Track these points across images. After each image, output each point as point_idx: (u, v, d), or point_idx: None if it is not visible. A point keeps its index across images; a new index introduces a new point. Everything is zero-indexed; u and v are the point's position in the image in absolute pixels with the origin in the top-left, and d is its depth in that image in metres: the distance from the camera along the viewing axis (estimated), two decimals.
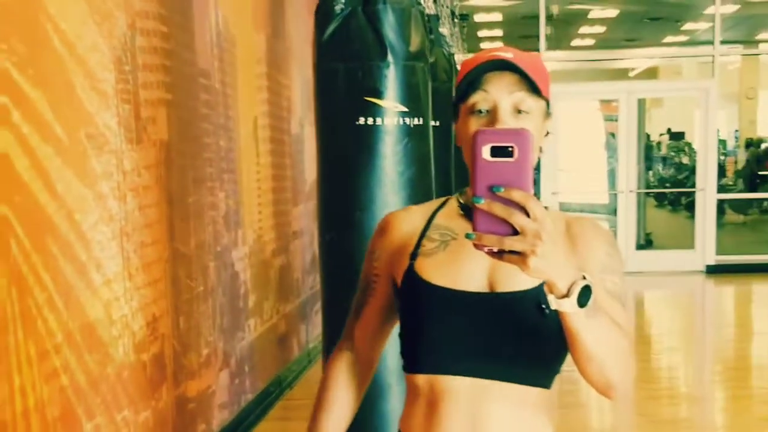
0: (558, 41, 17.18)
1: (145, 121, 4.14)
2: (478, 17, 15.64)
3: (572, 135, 13.58)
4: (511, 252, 1.37)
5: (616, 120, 12.17)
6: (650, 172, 17.61)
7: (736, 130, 21.69)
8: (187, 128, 4.75)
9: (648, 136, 16.45)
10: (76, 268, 3.47)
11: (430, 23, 3.70)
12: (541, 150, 1.77)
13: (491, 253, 1.39)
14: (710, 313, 10.40)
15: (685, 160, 18.67)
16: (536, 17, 11.91)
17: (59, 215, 3.34)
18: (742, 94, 20.42)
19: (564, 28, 16.41)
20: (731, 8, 14.31)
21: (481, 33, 16.94)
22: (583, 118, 15.28)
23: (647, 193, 15.20)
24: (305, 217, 7.45)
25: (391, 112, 3.23)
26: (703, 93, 11.70)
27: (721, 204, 13.63)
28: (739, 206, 16.08)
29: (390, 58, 3.22)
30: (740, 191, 16.76)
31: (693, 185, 12.34)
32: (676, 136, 20.30)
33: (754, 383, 7.04)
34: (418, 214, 1.87)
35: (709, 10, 12.50)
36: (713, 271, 11.66)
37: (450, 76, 6.44)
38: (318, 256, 3.80)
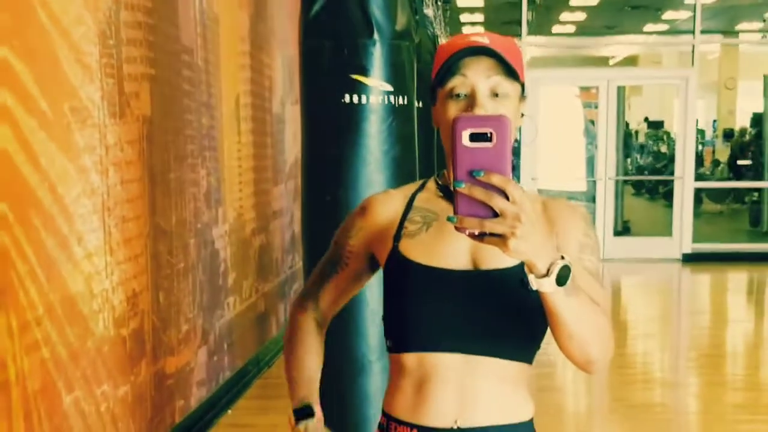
0: (539, 27, 17.21)
1: (128, 96, 4.14)
2: (461, 1, 15.65)
3: (552, 121, 13.59)
4: (492, 234, 1.41)
5: (596, 107, 12.20)
6: (629, 160, 17.67)
7: (715, 120, 21.80)
8: (170, 104, 4.75)
9: (627, 124, 16.51)
10: (58, 241, 3.47)
11: (415, 3, 3.70)
12: (520, 132, 1.81)
13: (472, 236, 1.43)
14: (686, 301, 10.48)
15: (664, 148, 18.76)
16: (518, 3, 11.92)
17: (42, 188, 3.34)
18: (721, 84, 20.51)
19: (545, 14, 16.44)
20: None
21: (463, 18, 16.94)
22: (562, 104, 15.29)
23: (625, 181, 15.26)
24: (285, 196, 7.46)
25: (376, 90, 3.24)
26: (683, 82, 11.75)
27: (698, 193, 13.72)
28: (717, 195, 16.16)
29: (376, 36, 3.22)
30: (721, 180, 16.82)
31: (671, 174, 12.41)
32: (655, 125, 20.40)
33: (728, 370, 7.11)
34: (398, 198, 1.90)
35: (690, 0, 12.55)
36: (689, 259, 11.73)
37: (434, 58, 6.39)
38: (300, 234, 3.82)
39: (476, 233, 1.42)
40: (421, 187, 1.91)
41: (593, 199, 12.17)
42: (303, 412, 1.92)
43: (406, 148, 3.37)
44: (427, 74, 1.85)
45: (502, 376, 1.75)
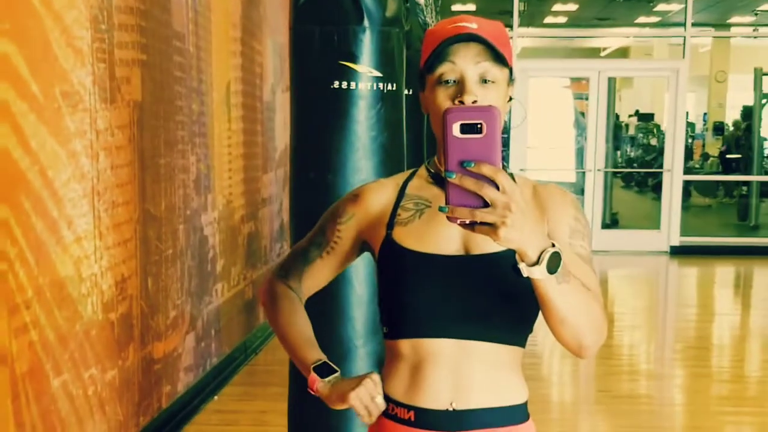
0: (531, 18, 17.20)
1: (119, 81, 4.14)
2: None
3: (542, 112, 13.60)
4: (483, 223, 1.44)
5: (587, 99, 12.21)
6: (618, 153, 17.69)
7: (705, 113, 21.82)
8: (161, 90, 4.75)
9: (617, 116, 16.52)
10: (48, 224, 3.48)
11: None
12: (510, 116, 1.83)
13: (463, 225, 1.46)
14: (673, 293, 10.51)
15: (654, 141, 18.77)
16: None
17: (32, 171, 3.35)
18: (712, 77, 20.53)
19: (537, 5, 16.42)
20: None
21: (455, 7, 16.91)
22: (553, 95, 15.31)
23: (615, 174, 15.29)
24: (275, 184, 7.47)
25: (365, 76, 3.24)
26: (673, 74, 11.76)
27: (687, 187, 13.75)
28: (706, 189, 16.19)
29: (366, 22, 3.23)
30: (710, 173, 16.85)
31: (660, 166, 12.42)
32: (645, 118, 20.39)
33: (714, 362, 7.14)
34: (390, 186, 1.92)
35: None
36: (677, 252, 11.77)
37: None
38: (288, 221, 3.84)
39: (467, 222, 1.45)
40: (412, 175, 1.93)
41: (582, 191, 12.19)
42: (325, 369, 1.85)
43: (394, 135, 3.38)
44: (417, 61, 1.86)
45: (496, 360, 1.78)
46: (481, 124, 1.44)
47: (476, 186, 1.42)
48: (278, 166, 7.50)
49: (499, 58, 1.73)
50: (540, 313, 1.68)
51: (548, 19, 19.55)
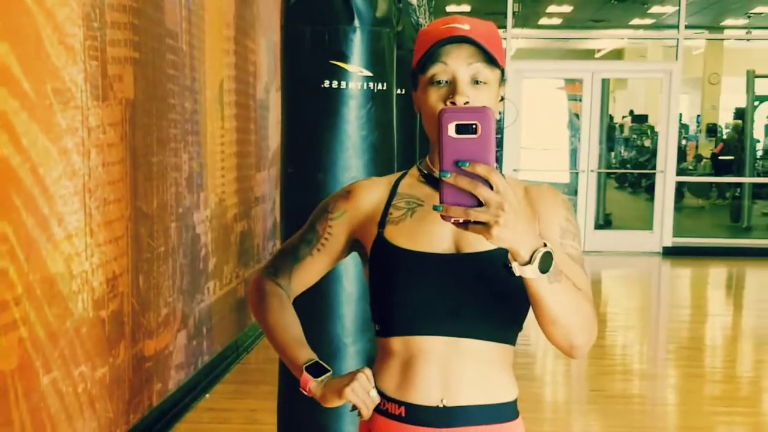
0: (525, 19, 17.22)
1: (111, 79, 4.15)
2: None
3: (536, 113, 13.61)
4: (476, 222, 1.45)
5: (580, 100, 12.23)
6: (612, 154, 17.73)
7: (698, 115, 21.87)
8: (153, 88, 4.75)
9: (611, 117, 16.55)
10: (38, 221, 3.48)
11: None
12: (503, 116, 1.85)
13: (457, 224, 1.48)
14: (665, 294, 10.53)
15: (647, 143, 18.80)
16: None
17: (23, 168, 3.35)
18: (705, 79, 20.57)
19: (532, 6, 16.45)
20: None
21: (449, 8, 16.93)
22: (547, 96, 15.33)
23: (608, 174, 15.31)
24: (268, 183, 7.47)
25: (356, 76, 3.26)
26: (667, 75, 11.78)
27: (680, 188, 13.78)
28: (699, 190, 16.22)
29: (357, 22, 3.24)
30: (703, 175, 16.88)
31: (653, 168, 12.44)
32: (639, 119, 20.43)
33: (706, 362, 7.16)
34: (383, 184, 1.93)
35: None
36: (670, 253, 11.79)
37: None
38: (278, 219, 3.84)
39: (461, 221, 1.46)
40: (404, 175, 1.94)
41: (575, 192, 12.21)
42: (317, 368, 1.85)
43: (384, 134, 3.39)
44: (410, 61, 1.87)
45: (486, 358, 1.79)
46: (475, 124, 1.46)
47: (471, 185, 1.44)
48: (271, 165, 7.51)
49: (490, 59, 1.75)
50: (530, 312, 1.69)
51: (543, 21, 19.58)
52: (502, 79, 1.83)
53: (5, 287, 3.24)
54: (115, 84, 4.19)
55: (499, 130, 11.37)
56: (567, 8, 18.20)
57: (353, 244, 1.95)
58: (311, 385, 1.83)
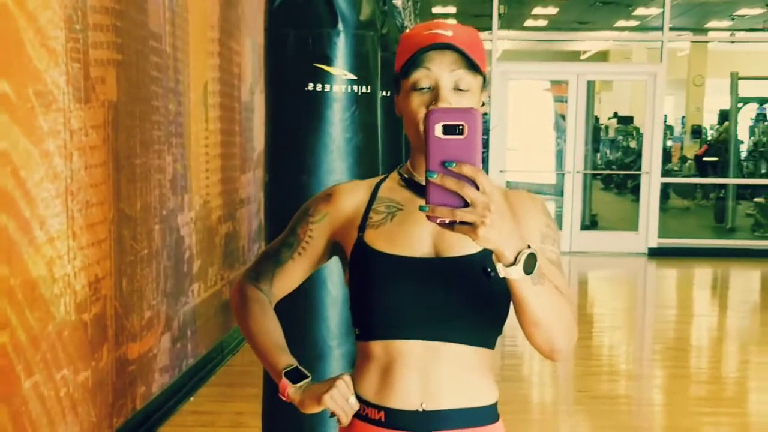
0: (511, 21, 17.25)
1: (94, 81, 4.13)
2: None
3: (522, 115, 13.64)
4: (462, 223, 1.46)
5: (566, 101, 12.26)
6: (598, 155, 17.77)
7: (683, 117, 21.94)
8: (137, 90, 4.73)
9: (597, 118, 16.58)
10: (20, 224, 3.46)
11: None
12: (488, 122, 1.84)
13: (443, 224, 1.48)
14: (651, 295, 10.56)
15: (633, 144, 18.85)
16: None
17: (4, 172, 3.33)
18: (690, 81, 20.64)
19: (517, 8, 16.47)
20: None
21: (435, 9, 16.94)
22: (533, 98, 15.37)
23: (594, 176, 15.34)
24: (253, 184, 7.45)
25: (339, 79, 3.25)
26: (651, 78, 11.82)
27: (665, 189, 13.82)
28: (683, 191, 16.27)
29: (340, 26, 3.23)
30: (688, 176, 16.92)
31: (639, 169, 12.47)
32: (625, 121, 20.49)
33: (692, 363, 7.18)
34: (363, 188, 1.93)
35: None
36: (655, 254, 11.83)
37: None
38: (263, 221, 3.83)
39: (447, 222, 1.47)
40: (384, 179, 1.94)
41: (561, 193, 12.23)
42: (296, 374, 1.84)
43: (368, 137, 3.39)
44: (394, 64, 1.86)
45: (464, 362, 1.79)
46: (462, 125, 1.46)
47: (457, 186, 1.44)
48: (256, 167, 7.49)
49: (473, 66, 1.75)
50: (509, 316, 1.69)
51: (528, 23, 19.63)
52: (484, 85, 1.83)
53: None
54: (97, 86, 4.17)
55: (485, 131, 11.38)
56: (552, 10, 18.25)
57: (334, 247, 1.95)
58: (290, 390, 1.82)
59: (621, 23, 19.88)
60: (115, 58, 4.39)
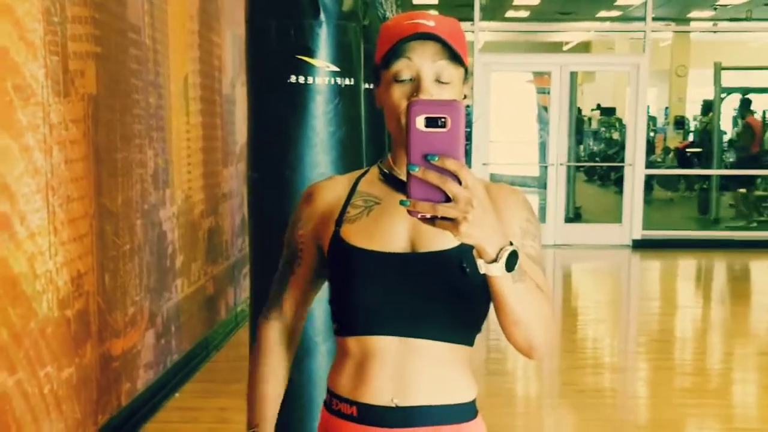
0: (493, 12, 17.24)
1: (73, 74, 4.09)
2: None
3: (504, 107, 13.63)
4: (444, 218, 1.42)
5: (549, 93, 12.25)
6: (581, 147, 17.79)
7: (666, 107, 21.99)
8: (116, 83, 4.69)
9: (580, 110, 16.59)
10: (0, 220, 3.42)
11: None
12: (468, 108, 1.82)
13: (424, 219, 1.44)
14: (635, 287, 10.57)
15: (616, 135, 18.89)
16: None
17: None
18: (673, 71, 20.68)
19: None
20: None
21: (416, 1, 16.92)
22: (515, 89, 15.37)
23: (577, 168, 15.35)
24: (235, 178, 7.42)
25: (322, 71, 3.23)
26: (634, 68, 11.83)
27: (649, 181, 13.84)
28: (667, 183, 16.31)
29: (322, 16, 3.21)
30: (672, 167, 16.96)
31: (622, 161, 12.49)
32: (608, 112, 20.53)
33: (676, 355, 7.19)
34: (342, 183, 1.91)
35: None
36: (639, 246, 11.85)
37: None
38: (246, 217, 3.80)
39: (428, 216, 1.43)
40: (365, 173, 1.92)
41: (544, 185, 12.23)
42: None
43: (352, 130, 3.36)
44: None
45: (440, 358, 1.76)
46: (445, 118, 1.42)
47: (439, 180, 1.41)
48: (239, 160, 7.46)
49: (455, 57, 1.72)
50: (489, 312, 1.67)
51: (510, 13, 19.61)
52: (466, 77, 1.80)
53: None
54: (76, 80, 4.13)
55: (468, 124, 11.37)
56: (534, 1, 18.24)
57: (322, 245, 1.92)
58: None
59: (603, 14, 19.89)
60: (94, 51, 4.35)
